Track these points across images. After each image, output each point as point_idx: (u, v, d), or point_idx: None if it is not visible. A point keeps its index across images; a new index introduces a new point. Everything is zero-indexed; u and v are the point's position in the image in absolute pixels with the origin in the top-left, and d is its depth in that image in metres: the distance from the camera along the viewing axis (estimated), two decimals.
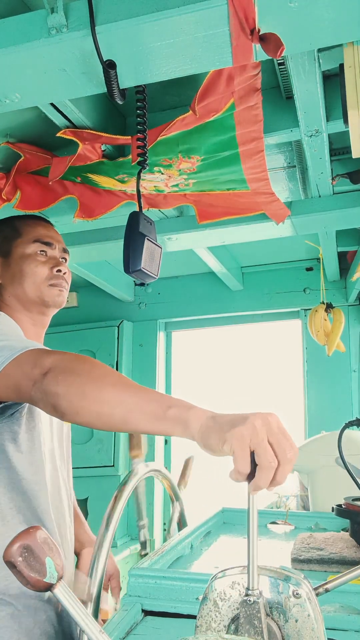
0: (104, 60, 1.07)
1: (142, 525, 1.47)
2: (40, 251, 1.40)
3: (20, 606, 1.19)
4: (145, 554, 1.56)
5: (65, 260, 1.47)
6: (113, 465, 3.13)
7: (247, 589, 0.71)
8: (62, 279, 1.41)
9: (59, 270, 1.40)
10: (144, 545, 1.51)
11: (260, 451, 0.77)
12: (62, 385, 0.97)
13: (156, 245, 1.46)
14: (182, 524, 1.73)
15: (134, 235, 1.38)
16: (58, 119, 1.52)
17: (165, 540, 1.66)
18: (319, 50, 1.28)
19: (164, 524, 3.37)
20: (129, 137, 1.55)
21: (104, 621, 1.23)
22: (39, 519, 1.23)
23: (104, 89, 1.16)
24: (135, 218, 1.44)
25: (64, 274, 1.42)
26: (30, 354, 1.06)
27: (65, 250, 1.47)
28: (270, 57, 1.06)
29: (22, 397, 1.07)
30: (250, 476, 0.78)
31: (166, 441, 3.46)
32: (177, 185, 1.87)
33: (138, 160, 1.50)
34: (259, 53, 1.07)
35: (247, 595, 0.70)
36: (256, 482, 0.78)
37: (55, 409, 0.99)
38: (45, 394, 0.99)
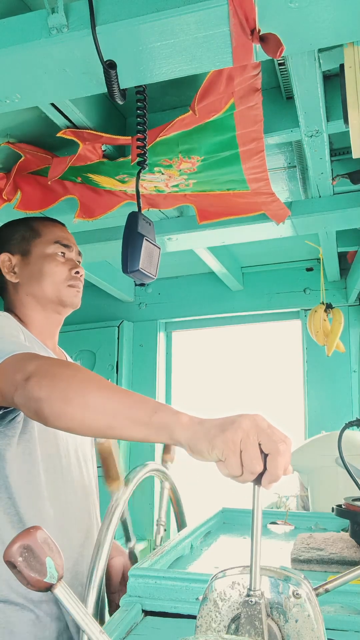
0: (105, 60, 1.07)
1: (131, 547, 1.46)
2: (60, 252, 1.43)
3: (41, 613, 1.20)
4: None
5: (79, 262, 1.51)
6: None
7: (249, 589, 0.70)
8: (79, 281, 1.44)
9: (77, 272, 1.43)
10: (162, 539, 1.51)
11: (250, 453, 0.77)
12: (45, 390, 0.96)
13: (155, 245, 1.47)
14: (181, 524, 1.73)
15: (133, 235, 1.38)
16: (58, 119, 1.52)
17: (157, 530, 1.65)
18: (319, 51, 1.28)
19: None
20: (129, 137, 1.55)
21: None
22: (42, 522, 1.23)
23: (105, 89, 1.17)
24: (134, 218, 1.44)
25: (81, 275, 1.45)
26: (14, 359, 1.06)
27: (79, 253, 1.51)
28: (270, 57, 1.06)
29: (7, 402, 1.07)
30: (259, 476, 0.77)
31: None
32: (177, 185, 1.87)
33: (138, 160, 1.50)
34: (259, 53, 1.07)
35: (248, 595, 0.70)
36: (244, 479, 0.78)
37: (37, 414, 0.97)
38: (27, 399, 0.98)
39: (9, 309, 1.44)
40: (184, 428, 0.84)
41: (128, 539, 1.45)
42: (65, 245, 1.44)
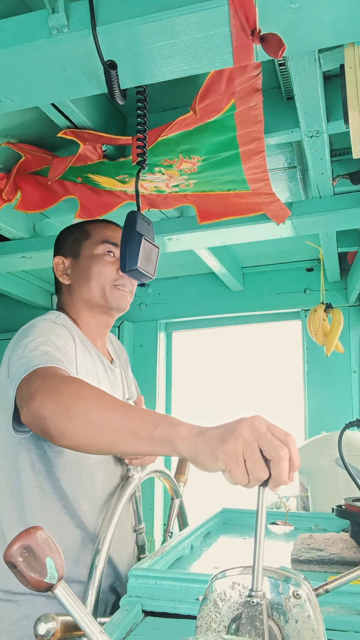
0: (105, 60, 1.07)
1: (141, 529, 1.47)
2: (108, 252, 1.41)
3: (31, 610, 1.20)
4: (144, 558, 1.56)
5: None
6: None
7: (251, 590, 0.70)
8: (127, 281, 1.42)
9: None
10: (142, 549, 1.51)
11: (253, 462, 0.76)
12: (48, 408, 0.95)
13: (153, 245, 1.46)
14: (182, 523, 1.73)
15: (131, 234, 1.38)
16: (59, 119, 1.52)
17: (164, 539, 1.66)
18: (320, 51, 1.28)
19: (164, 524, 3.37)
20: (130, 137, 1.55)
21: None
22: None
23: (105, 90, 1.16)
24: (132, 217, 1.43)
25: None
26: (32, 375, 1.06)
27: None
28: (271, 58, 1.06)
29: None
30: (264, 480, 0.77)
31: None
32: (177, 185, 1.87)
33: (138, 160, 1.50)
34: (259, 53, 1.07)
35: (250, 596, 0.70)
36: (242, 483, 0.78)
37: (44, 432, 0.98)
38: (32, 417, 0.98)
39: (62, 308, 1.44)
40: (185, 441, 0.83)
41: (139, 522, 1.48)
42: (114, 244, 1.42)
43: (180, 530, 1.74)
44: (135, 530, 1.48)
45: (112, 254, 1.42)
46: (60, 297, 1.46)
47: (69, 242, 1.46)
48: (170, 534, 1.67)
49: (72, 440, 0.95)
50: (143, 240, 1.38)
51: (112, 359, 1.52)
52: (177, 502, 1.66)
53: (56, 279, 1.47)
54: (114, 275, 1.40)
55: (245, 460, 0.76)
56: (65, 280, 1.43)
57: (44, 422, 0.96)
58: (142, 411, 0.94)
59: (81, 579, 1.24)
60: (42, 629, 0.82)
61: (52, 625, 0.84)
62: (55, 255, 1.47)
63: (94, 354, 1.40)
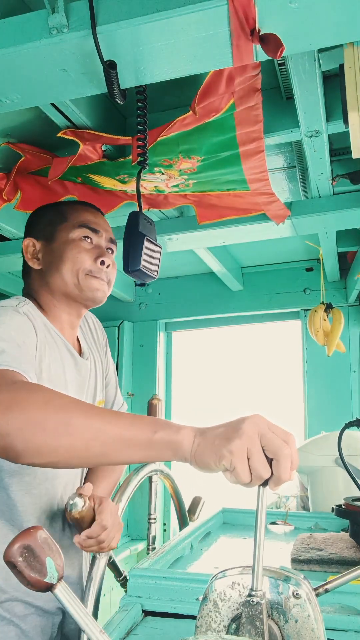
0: (105, 60, 1.07)
1: (154, 518, 1.47)
2: (85, 237, 1.31)
3: (26, 627, 1.19)
4: (154, 549, 1.56)
5: (112, 251, 1.37)
6: None
7: (251, 589, 0.70)
8: (103, 272, 1.31)
9: (102, 262, 1.30)
10: (153, 539, 1.52)
11: (257, 460, 0.76)
12: (14, 423, 0.82)
13: (156, 245, 1.46)
14: (183, 523, 1.73)
15: (134, 235, 1.37)
16: (59, 119, 1.52)
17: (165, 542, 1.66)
18: (319, 51, 1.28)
19: (164, 524, 3.37)
20: (130, 137, 1.55)
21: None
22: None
23: (105, 89, 1.16)
24: (134, 218, 1.43)
25: (107, 266, 1.31)
26: None
27: (112, 241, 1.37)
28: (270, 58, 1.06)
29: None
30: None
31: None
32: (177, 185, 1.87)
33: (138, 160, 1.50)
34: (259, 53, 1.07)
35: (250, 595, 0.70)
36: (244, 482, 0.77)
37: (7, 451, 0.83)
38: None
39: (29, 294, 1.34)
40: (188, 443, 0.81)
41: (151, 512, 1.49)
42: (93, 230, 1.32)
43: (179, 524, 1.74)
44: (148, 520, 1.48)
45: (89, 240, 1.31)
46: (29, 281, 1.35)
47: (43, 224, 1.35)
48: (153, 520, 1.70)
49: (50, 457, 0.83)
50: (145, 240, 1.37)
51: (82, 352, 1.39)
52: (155, 480, 1.69)
53: (25, 263, 1.36)
54: (89, 263, 1.29)
55: (248, 459, 0.76)
56: (35, 265, 1.32)
57: (8, 440, 0.82)
58: (132, 417, 0.86)
59: (39, 612, 1.20)
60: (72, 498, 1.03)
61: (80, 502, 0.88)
62: (25, 236, 1.36)
63: (61, 345, 1.29)
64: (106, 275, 1.32)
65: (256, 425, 0.77)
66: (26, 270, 1.37)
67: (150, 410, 1.63)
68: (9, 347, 1.04)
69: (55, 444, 0.82)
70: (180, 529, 1.73)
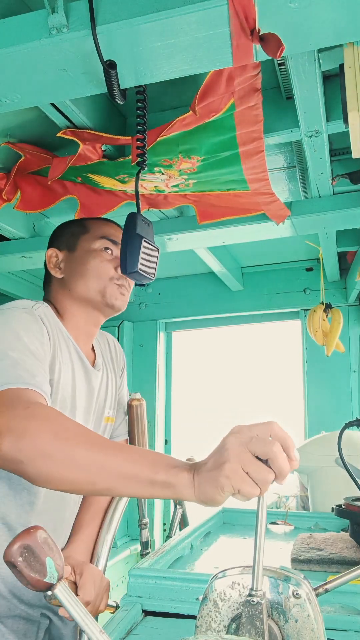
0: (105, 60, 1.07)
1: (145, 524, 1.47)
2: (106, 248, 1.38)
3: (4, 629, 1.18)
4: (147, 554, 1.56)
5: None
6: None
7: (251, 589, 0.70)
8: (125, 280, 1.38)
9: None
10: (145, 545, 1.51)
11: (255, 470, 0.76)
12: (25, 453, 0.86)
13: (153, 246, 1.46)
14: (183, 524, 1.73)
15: (132, 236, 1.38)
16: (58, 119, 1.52)
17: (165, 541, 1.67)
18: (319, 51, 1.28)
19: (164, 524, 3.37)
20: (129, 137, 1.55)
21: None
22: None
23: (105, 89, 1.16)
24: (132, 219, 1.43)
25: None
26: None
27: None
28: (270, 58, 1.06)
29: None
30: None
31: (166, 441, 3.46)
32: (177, 185, 1.87)
33: (137, 160, 1.50)
34: (259, 53, 1.07)
35: (250, 595, 0.70)
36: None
37: (21, 474, 0.89)
38: (4, 460, 0.88)
39: (48, 299, 1.38)
40: (189, 486, 0.81)
41: (142, 517, 1.47)
42: (113, 242, 1.39)
43: (179, 524, 1.74)
44: (139, 525, 1.47)
45: (109, 251, 1.38)
46: (49, 290, 1.41)
47: (66, 236, 1.42)
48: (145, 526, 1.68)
49: (60, 486, 0.88)
50: (143, 242, 1.38)
51: (95, 363, 1.42)
52: (180, 510, 1.67)
53: (47, 272, 1.41)
54: (112, 272, 1.36)
55: (247, 473, 0.76)
56: (57, 274, 1.38)
57: (20, 467, 0.87)
58: (136, 453, 0.88)
59: (26, 616, 1.20)
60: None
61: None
62: (49, 247, 1.42)
63: (73, 351, 1.32)
64: (127, 284, 1.39)
65: (237, 439, 0.78)
66: (47, 279, 1.42)
67: (130, 414, 1.57)
68: (22, 357, 1.05)
69: (63, 476, 0.86)
70: (181, 529, 1.73)
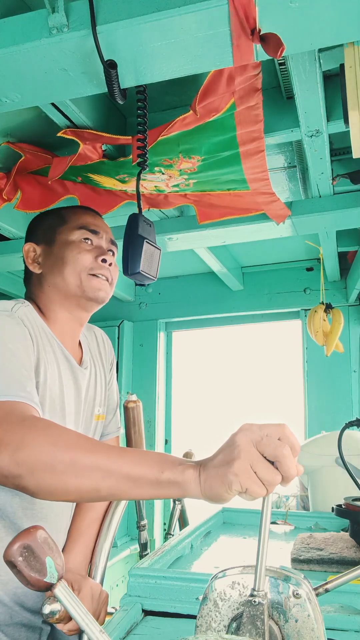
0: (105, 60, 1.07)
1: (143, 525, 1.46)
2: (85, 238, 1.30)
3: (6, 638, 1.17)
4: (146, 555, 1.56)
5: (113, 253, 1.36)
6: None
7: (253, 589, 0.70)
8: (106, 269, 1.29)
9: (104, 260, 1.29)
10: (144, 546, 1.51)
11: (263, 470, 0.75)
12: (24, 467, 0.84)
13: (155, 247, 1.46)
14: (183, 523, 1.73)
15: (133, 237, 1.37)
16: (59, 119, 1.52)
17: (165, 540, 1.67)
18: (320, 51, 1.28)
19: (164, 524, 3.37)
20: (130, 137, 1.55)
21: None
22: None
23: (105, 89, 1.16)
24: (134, 220, 1.43)
25: (109, 265, 1.30)
26: None
27: (112, 242, 1.36)
28: (270, 57, 1.06)
29: None
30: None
31: (166, 441, 3.46)
32: (177, 185, 1.87)
33: (138, 160, 1.50)
34: (259, 53, 1.07)
35: (252, 595, 0.70)
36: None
37: (21, 489, 0.87)
38: (2, 476, 0.86)
39: (30, 297, 1.33)
40: (195, 482, 0.80)
41: (141, 518, 1.46)
42: (93, 232, 1.31)
43: (179, 524, 1.74)
44: (138, 527, 1.46)
45: (89, 241, 1.30)
46: (30, 287, 1.34)
47: (43, 228, 1.34)
48: (171, 535, 1.67)
49: (63, 496, 0.87)
50: (145, 243, 1.37)
51: (82, 360, 1.37)
52: (179, 506, 1.66)
53: (26, 268, 1.35)
54: (90, 262, 1.28)
55: (255, 472, 0.75)
56: (35, 269, 1.31)
57: (19, 480, 0.85)
58: (138, 455, 0.87)
59: (27, 623, 1.18)
60: (46, 609, 0.88)
61: (57, 607, 0.87)
62: (26, 242, 1.35)
63: (57, 350, 1.26)
64: (109, 274, 1.31)
65: (248, 437, 0.77)
66: (27, 275, 1.36)
67: (127, 415, 1.55)
68: (9, 367, 1.03)
69: (66, 485, 0.84)
70: (180, 525, 1.73)
